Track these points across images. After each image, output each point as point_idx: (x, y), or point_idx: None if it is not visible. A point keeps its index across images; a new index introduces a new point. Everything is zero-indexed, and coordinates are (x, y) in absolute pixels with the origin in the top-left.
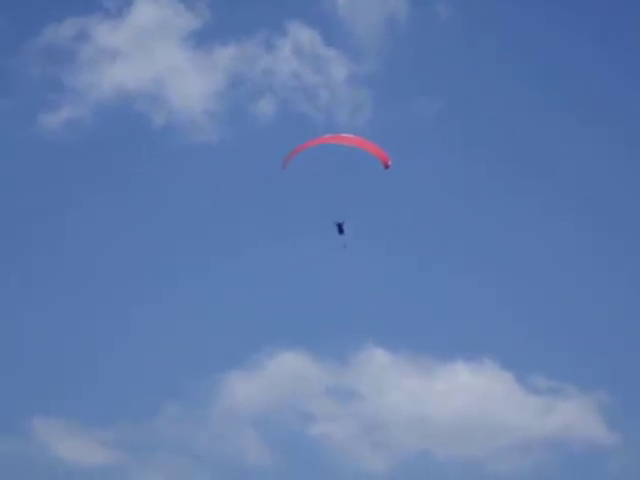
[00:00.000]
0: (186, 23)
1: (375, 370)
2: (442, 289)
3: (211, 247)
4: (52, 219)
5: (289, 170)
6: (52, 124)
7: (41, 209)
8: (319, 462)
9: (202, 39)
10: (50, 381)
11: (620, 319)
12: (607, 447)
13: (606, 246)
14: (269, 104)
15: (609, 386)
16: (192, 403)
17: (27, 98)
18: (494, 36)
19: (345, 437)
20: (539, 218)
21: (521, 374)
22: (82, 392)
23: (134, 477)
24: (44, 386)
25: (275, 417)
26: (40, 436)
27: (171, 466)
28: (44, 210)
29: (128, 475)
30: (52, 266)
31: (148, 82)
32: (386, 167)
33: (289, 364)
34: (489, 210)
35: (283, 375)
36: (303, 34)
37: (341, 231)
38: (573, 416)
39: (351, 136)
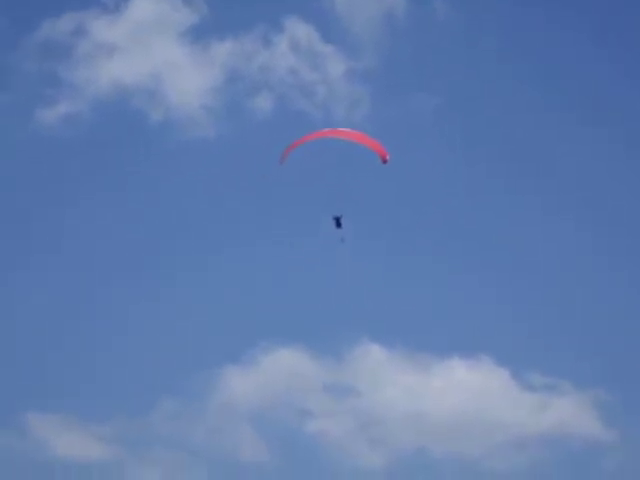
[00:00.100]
0: (183, 18)
1: (371, 366)
2: (438, 286)
3: (208, 244)
4: (49, 214)
5: (287, 166)
6: (49, 119)
7: (38, 205)
8: (316, 458)
9: (199, 34)
10: (46, 377)
11: (616, 317)
12: (603, 444)
13: (604, 245)
14: (266, 100)
15: (605, 383)
16: (188, 399)
17: (24, 93)
18: (492, 33)
19: (342, 433)
20: (538, 217)
21: (517, 371)
22: (78, 388)
23: (130, 472)
24: (40, 382)
25: (272, 413)
26: (36, 432)
27: (167, 461)
28: (41, 206)
29: (124, 470)
30: (49, 263)
31: (145, 77)
32: (384, 162)
33: (286, 360)
34: (487, 208)
35: (280, 371)
36: (300, 30)
37: (339, 225)
38: (569, 413)
39: (349, 130)
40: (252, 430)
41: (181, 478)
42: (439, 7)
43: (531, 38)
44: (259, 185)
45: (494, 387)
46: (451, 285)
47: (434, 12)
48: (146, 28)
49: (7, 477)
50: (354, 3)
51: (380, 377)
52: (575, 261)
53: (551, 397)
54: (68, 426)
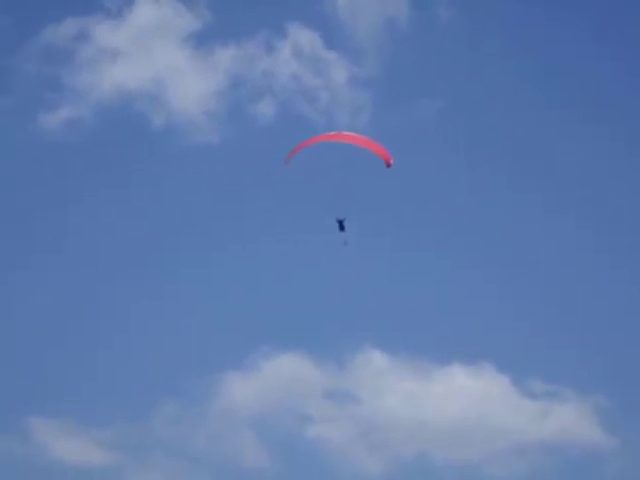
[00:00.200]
0: (186, 24)
1: (372, 373)
2: (439, 293)
3: (209, 249)
4: (51, 219)
5: (289, 169)
6: (52, 124)
7: (40, 209)
8: (316, 464)
9: (202, 40)
10: (47, 381)
11: (617, 323)
12: (604, 451)
13: (605, 244)
14: (269, 106)
15: (606, 390)
16: (189, 404)
17: (27, 97)
18: (494, 38)
19: (342, 439)
20: (540, 216)
21: (518, 378)
22: (79, 392)
23: (131, 478)
24: (41, 386)
25: (272, 419)
26: (37, 436)
27: (168, 467)
28: (43, 210)
29: (125, 476)
30: (50, 267)
31: (148, 82)
32: (388, 166)
33: (287, 366)
34: (489, 207)
35: (281, 377)
36: (303, 36)
37: (342, 228)
38: (570, 420)
39: (353, 134)
40: (253, 436)
41: None
42: (442, 13)
43: (533, 41)
44: (261, 190)
45: (495, 394)
46: (451, 293)
47: (437, 18)
48: (149, 33)
49: None
50: (357, 9)
51: (381, 383)
52: (576, 261)
53: (552, 404)
54: (68, 431)
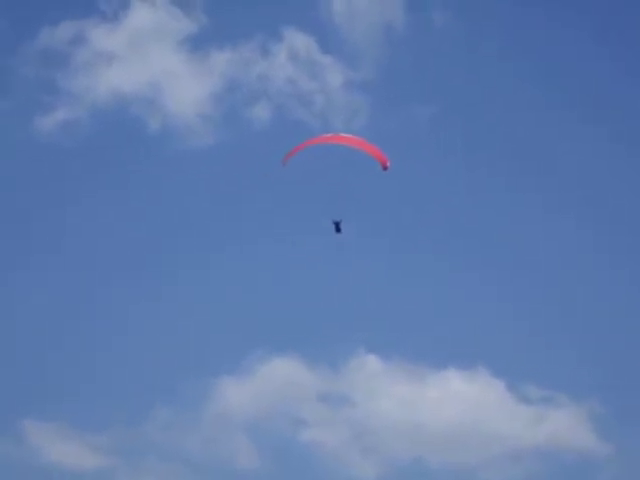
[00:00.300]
0: (182, 27)
1: (367, 376)
2: (434, 297)
3: (204, 252)
4: (48, 221)
5: (286, 171)
6: (48, 127)
7: (37, 212)
8: (310, 468)
9: (198, 43)
10: (42, 385)
11: (613, 329)
12: (599, 457)
13: (605, 245)
14: (264, 109)
15: (601, 396)
16: (183, 408)
17: (23, 100)
18: (490, 41)
19: (336, 443)
20: (539, 216)
21: (513, 383)
22: (74, 396)
23: None
24: (36, 390)
25: (266, 423)
26: (31, 440)
27: (162, 471)
28: (40, 213)
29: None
30: (47, 270)
31: (144, 86)
32: (385, 169)
33: (281, 370)
34: (488, 208)
35: (275, 381)
36: (299, 40)
37: (338, 230)
38: (565, 425)
39: (350, 136)
40: (247, 439)
41: None
42: (437, 18)
43: (529, 44)
44: (256, 195)
45: (490, 399)
46: (446, 296)
47: (433, 23)
48: (145, 37)
49: None
50: (353, 13)
51: (376, 387)
52: (573, 263)
53: (547, 409)
54: (63, 435)
